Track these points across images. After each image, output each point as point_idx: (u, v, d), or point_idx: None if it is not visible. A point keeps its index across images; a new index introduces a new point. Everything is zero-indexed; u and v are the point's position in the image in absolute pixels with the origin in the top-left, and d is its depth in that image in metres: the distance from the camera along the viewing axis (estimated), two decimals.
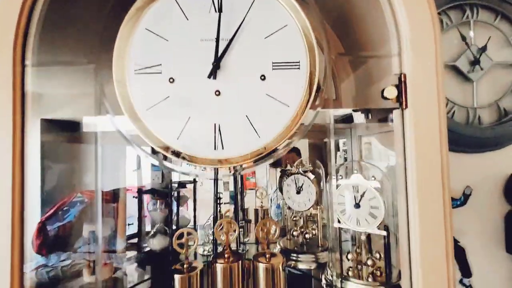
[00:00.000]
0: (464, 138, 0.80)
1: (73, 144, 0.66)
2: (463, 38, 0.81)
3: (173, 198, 0.75)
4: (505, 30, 0.83)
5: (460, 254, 0.80)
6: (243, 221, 0.78)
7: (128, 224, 0.73)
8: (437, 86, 0.41)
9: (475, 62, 0.81)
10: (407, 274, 0.44)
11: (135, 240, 0.74)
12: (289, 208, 0.70)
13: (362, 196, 0.52)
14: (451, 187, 0.82)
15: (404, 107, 0.42)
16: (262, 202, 0.78)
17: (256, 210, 0.79)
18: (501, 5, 0.81)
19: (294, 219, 0.71)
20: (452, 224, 0.42)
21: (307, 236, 0.66)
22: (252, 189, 0.87)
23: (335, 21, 0.55)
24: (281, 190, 0.75)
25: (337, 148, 0.85)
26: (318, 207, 0.67)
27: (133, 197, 0.76)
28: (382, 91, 0.44)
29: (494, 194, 0.83)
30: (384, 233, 0.50)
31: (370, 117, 0.55)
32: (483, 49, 0.81)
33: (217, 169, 0.53)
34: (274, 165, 0.81)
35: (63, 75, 0.50)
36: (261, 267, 0.50)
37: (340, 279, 0.51)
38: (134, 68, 0.48)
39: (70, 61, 0.49)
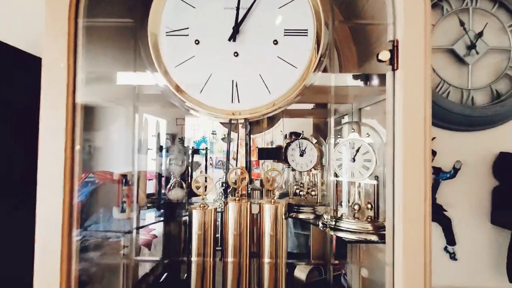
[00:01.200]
0: (457, 117, 0.87)
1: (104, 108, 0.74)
2: (462, 24, 0.87)
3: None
4: (502, 18, 0.88)
5: (446, 223, 0.87)
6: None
7: (149, 179, 0.83)
8: (425, 50, 0.48)
9: (471, 46, 0.87)
10: (391, 215, 0.52)
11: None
12: (292, 169, 0.78)
13: (357, 151, 0.59)
14: (443, 162, 0.89)
15: (395, 68, 0.50)
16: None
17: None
18: None
19: (296, 181, 0.79)
20: (431, 169, 0.49)
21: (307, 193, 0.74)
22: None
23: None
24: (285, 157, 0.82)
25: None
26: (318, 168, 0.74)
27: (152, 159, 0.85)
28: (377, 55, 0.51)
29: (483, 170, 0.90)
30: (375, 182, 0.58)
31: (368, 84, 0.62)
32: (480, 34, 0.87)
33: (231, 120, 0.61)
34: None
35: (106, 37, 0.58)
36: (267, 206, 0.59)
37: (334, 219, 0.60)
38: (165, 30, 0.56)
39: (115, 21, 0.57)
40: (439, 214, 0.86)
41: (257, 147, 0.91)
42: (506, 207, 0.86)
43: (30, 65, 0.64)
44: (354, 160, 0.60)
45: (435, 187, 0.86)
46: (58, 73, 0.48)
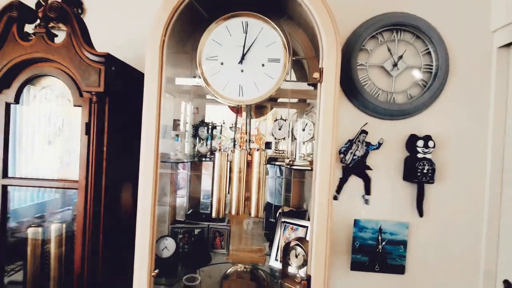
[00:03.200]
0: (383, 110, 1.35)
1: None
2: (389, 50, 1.35)
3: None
4: (417, 46, 1.35)
5: (366, 180, 1.36)
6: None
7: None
8: (335, 72, 0.97)
9: (395, 65, 1.35)
10: (316, 162, 1.01)
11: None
12: (275, 138, 1.28)
13: (305, 126, 1.09)
14: (372, 139, 1.38)
15: (321, 82, 0.99)
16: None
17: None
18: (416, 30, 1.34)
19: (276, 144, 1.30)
20: (336, 141, 0.98)
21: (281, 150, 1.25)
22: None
23: (302, 41, 1.12)
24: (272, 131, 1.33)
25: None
26: (289, 138, 1.24)
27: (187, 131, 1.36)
28: (313, 74, 1.00)
29: (399, 145, 1.38)
30: (313, 142, 1.08)
31: (313, 88, 1.11)
32: (401, 57, 1.34)
33: (239, 106, 1.11)
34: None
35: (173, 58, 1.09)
36: (256, 153, 1.09)
37: (292, 161, 1.10)
38: (206, 55, 1.06)
39: (180, 51, 1.08)
40: (364, 174, 1.36)
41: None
42: (413, 169, 1.34)
43: (135, 75, 1.16)
44: (303, 130, 1.09)
45: (365, 155, 1.35)
46: (154, 79, 0.99)
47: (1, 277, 1.08)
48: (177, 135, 1.21)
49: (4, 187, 1.06)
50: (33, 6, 1.13)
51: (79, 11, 1.42)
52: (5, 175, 1.05)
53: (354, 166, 1.37)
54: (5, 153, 1.05)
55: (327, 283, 0.98)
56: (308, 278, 0.98)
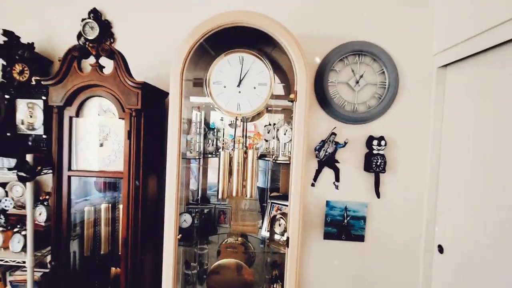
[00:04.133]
0: (349, 117, 1.75)
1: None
2: (352, 71, 1.75)
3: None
4: (374, 67, 1.75)
5: (336, 170, 1.78)
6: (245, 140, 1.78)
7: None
8: (306, 94, 1.37)
9: (357, 82, 1.75)
10: (294, 158, 1.42)
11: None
12: (265, 140, 1.69)
13: (286, 131, 1.50)
14: (340, 139, 1.80)
15: (296, 101, 1.39)
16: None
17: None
18: (373, 55, 1.73)
19: (267, 144, 1.70)
20: (306, 144, 1.39)
21: (270, 149, 1.66)
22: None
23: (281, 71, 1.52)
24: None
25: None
26: (275, 139, 1.65)
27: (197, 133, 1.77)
28: (290, 95, 1.40)
29: (361, 144, 1.79)
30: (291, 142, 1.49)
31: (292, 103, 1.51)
32: (362, 76, 1.74)
33: (236, 117, 1.52)
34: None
35: (190, 84, 1.49)
36: (250, 151, 1.50)
37: (276, 157, 1.52)
38: (213, 81, 1.46)
39: (194, 78, 1.48)
40: (334, 166, 1.77)
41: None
42: (370, 162, 1.76)
43: (158, 93, 1.55)
44: (285, 134, 1.50)
45: (334, 151, 1.77)
46: (176, 98, 1.39)
47: (67, 242, 1.50)
48: (191, 138, 1.62)
49: (69, 177, 1.47)
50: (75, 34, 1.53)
51: (111, 40, 1.80)
52: (69, 168, 1.47)
53: (326, 160, 1.78)
54: (69, 153, 1.46)
55: (300, 243, 1.41)
56: (287, 239, 1.41)
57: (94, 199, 1.58)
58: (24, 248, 1.49)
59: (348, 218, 1.81)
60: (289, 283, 1.41)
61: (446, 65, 1.71)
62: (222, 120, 1.80)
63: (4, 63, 1.70)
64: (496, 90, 1.37)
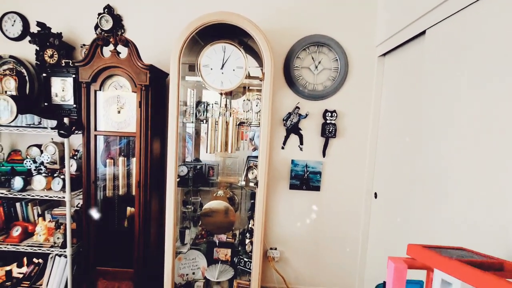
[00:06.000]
0: (310, 95, 2.26)
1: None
2: (313, 58, 2.24)
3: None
4: (329, 55, 2.24)
5: (300, 136, 2.30)
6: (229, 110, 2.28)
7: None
8: (270, 75, 1.86)
9: (316, 67, 2.24)
10: (262, 129, 1.93)
11: None
12: (243, 110, 2.19)
13: (256, 105, 2.00)
14: (303, 112, 2.34)
15: (263, 80, 1.88)
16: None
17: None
18: (328, 46, 2.22)
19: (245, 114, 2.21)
20: (272, 108, 1.89)
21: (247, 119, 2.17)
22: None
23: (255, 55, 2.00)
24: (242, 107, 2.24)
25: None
26: (251, 110, 2.16)
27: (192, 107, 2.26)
28: (261, 75, 1.89)
29: (318, 115, 2.31)
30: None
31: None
32: (320, 62, 2.23)
33: (222, 92, 2.02)
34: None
35: (185, 67, 1.97)
36: (231, 118, 2.01)
37: (250, 122, 2.03)
38: (203, 64, 1.94)
39: (188, 61, 1.96)
40: (298, 133, 2.29)
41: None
42: (324, 130, 2.28)
43: (160, 73, 2.04)
44: (257, 106, 2.01)
45: (298, 121, 2.28)
46: (174, 77, 1.87)
47: (95, 185, 2.01)
48: (186, 109, 2.12)
49: (95, 136, 1.97)
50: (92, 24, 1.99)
51: (122, 31, 2.25)
52: (95, 129, 1.96)
53: (292, 128, 2.30)
54: (95, 118, 1.95)
55: (267, 184, 1.94)
56: (257, 182, 1.95)
57: (113, 154, 2.09)
58: (62, 188, 2.01)
59: (308, 173, 2.35)
60: (257, 214, 1.96)
61: (384, 54, 2.21)
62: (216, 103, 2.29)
63: (38, 48, 2.15)
64: (408, 74, 1.88)
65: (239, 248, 2.25)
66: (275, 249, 2.42)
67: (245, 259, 2.17)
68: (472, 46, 1.27)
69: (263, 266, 2.35)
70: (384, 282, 1.01)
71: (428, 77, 1.58)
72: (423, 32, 1.65)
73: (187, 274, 2.24)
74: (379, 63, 2.24)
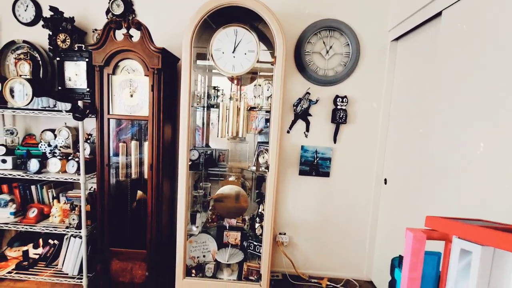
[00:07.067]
0: (320, 80, 2.25)
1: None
2: (324, 43, 2.22)
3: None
4: (341, 40, 2.22)
5: (307, 123, 2.30)
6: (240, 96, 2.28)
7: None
8: (283, 58, 1.86)
9: (327, 52, 2.22)
10: (273, 113, 1.93)
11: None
12: (254, 96, 2.19)
13: (267, 89, 2.00)
14: (313, 98, 2.35)
15: (275, 64, 1.88)
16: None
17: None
18: (340, 30, 2.19)
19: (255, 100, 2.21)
20: (282, 97, 1.89)
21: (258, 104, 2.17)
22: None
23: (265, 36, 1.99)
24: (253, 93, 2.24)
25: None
26: (262, 95, 2.16)
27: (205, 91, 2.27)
28: (272, 60, 1.89)
29: (329, 102, 2.30)
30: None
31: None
32: (331, 47, 2.21)
33: (233, 77, 2.02)
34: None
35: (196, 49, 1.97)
36: (242, 102, 2.01)
37: (261, 107, 2.04)
38: (214, 48, 1.94)
39: (201, 46, 1.96)
40: (306, 119, 2.29)
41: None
42: (335, 116, 2.27)
43: (172, 57, 2.05)
44: (268, 90, 2.01)
45: (308, 107, 2.28)
46: (186, 60, 1.88)
47: (109, 168, 2.05)
48: (198, 93, 2.13)
49: (108, 119, 1.99)
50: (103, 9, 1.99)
51: (133, 15, 2.26)
52: (108, 113, 1.99)
53: (302, 114, 2.30)
54: (108, 102, 1.97)
55: (277, 169, 1.96)
56: (268, 166, 1.96)
57: (126, 138, 2.11)
58: (77, 171, 2.05)
59: (317, 159, 2.35)
60: (268, 198, 1.98)
61: (397, 39, 2.18)
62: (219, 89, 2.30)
63: (50, 33, 2.17)
64: (421, 59, 1.86)
65: (249, 233, 2.28)
66: (284, 234, 2.45)
67: (254, 243, 2.20)
68: (492, 25, 1.25)
69: (272, 250, 2.39)
70: (400, 256, 1.02)
71: (443, 61, 1.56)
72: (439, 14, 1.62)
73: (198, 257, 2.28)
74: (392, 48, 2.22)
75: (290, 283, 2.34)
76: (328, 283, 2.34)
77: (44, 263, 2.27)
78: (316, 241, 2.46)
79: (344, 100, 2.23)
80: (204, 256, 2.29)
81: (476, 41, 1.33)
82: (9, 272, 2.14)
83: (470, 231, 0.71)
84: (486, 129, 1.23)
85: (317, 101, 2.28)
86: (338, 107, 2.25)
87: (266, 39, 2.13)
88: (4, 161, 2.07)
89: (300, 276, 2.42)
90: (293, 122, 2.32)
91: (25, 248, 2.29)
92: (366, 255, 2.43)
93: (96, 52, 1.90)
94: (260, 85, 2.17)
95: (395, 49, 2.21)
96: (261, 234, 2.10)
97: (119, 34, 1.92)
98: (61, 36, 2.15)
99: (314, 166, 2.36)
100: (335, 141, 2.32)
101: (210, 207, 2.38)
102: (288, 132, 2.33)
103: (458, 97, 1.42)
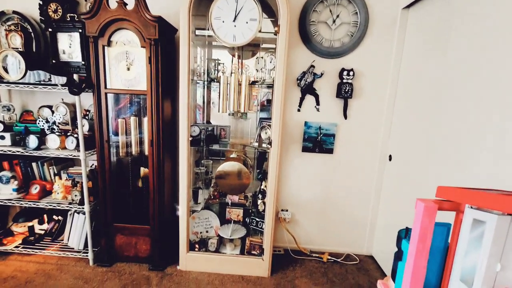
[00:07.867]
0: (326, 52, 2.14)
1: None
2: (330, 11, 2.08)
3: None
4: (349, 8, 2.08)
5: (316, 96, 2.22)
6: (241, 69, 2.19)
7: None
8: (286, 27, 1.75)
9: (334, 21, 2.09)
10: (276, 88, 1.84)
11: None
12: (256, 70, 2.10)
13: (270, 62, 1.91)
14: (317, 71, 2.24)
15: (279, 33, 1.77)
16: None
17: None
18: None
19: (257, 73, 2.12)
20: (286, 69, 1.80)
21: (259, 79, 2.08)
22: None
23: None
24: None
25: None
26: (264, 68, 2.06)
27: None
28: (275, 29, 1.78)
29: (335, 75, 2.20)
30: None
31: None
32: (338, 15, 2.08)
33: (234, 47, 1.92)
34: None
35: (195, 18, 1.86)
36: (243, 76, 1.93)
37: (264, 81, 1.95)
38: (214, 16, 1.82)
39: (200, 14, 1.85)
40: (314, 93, 2.21)
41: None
42: (340, 90, 2.18)
43: (171, 28, 1.93)
44: (270, 62, 1.91)
45: (313, 81, 2.19)
46: (184, 29, 1.78)
47: (108, 145, 2.01)
48: (197, 66, 2.04)
49: (105, 94, 1.93)
50: None
51: None
52: (105, 87, 1.92)
53: (307, 88, 2.21)
54: (104, 75, 1.90)
55: (280, 145, 1.91)
56: (270, 141, 1.91)
57: (125, 113, 2.06)
58: (76, 147, 2.02)
59: (321, 135, 2.30)
60: (271, 173, 1.95)
61: (408, 6, 2.04)
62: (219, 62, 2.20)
63: (41, 2, 2.05)
64: (433, 29, 1.74)
65: (252, 209, 2.28)
66: (287, 210, 2.45)
67: (257, 219, 2.21)
68: None
69: (275, 226, 2.40)
70: (406, 228, 1.00)
71: (457, 30, 1.45)
72: None
73: (200, 232, 2.30)
74: (402, 17, 2.08)
75: (292, 258, 2.38)
76: (329, 257, 2.37)
77: (50, 238, 2.31)
78: (318, 217, 2.46)
79: (350, 73, 2.13)
80: (207, 231, 2.31)
81: (495, 9, 1.22)
82: (16, 247, 2.18)
83: (487, 198, 0.67)
84: (501, 101, 1.15)
85: (322, 74, 2.18)
86: (344, 80, 2.15)
87: (268, 8, 2.00)
88: (2, 138, 2.04)
89: (301, 251, 2.45)
90: (302, 99, 2.23)
91: (30, 223, 2.32)
92: (367, 231, 2.44)
93: (89, 22, 1.80)
94: (262, 57, 2.07)
95: (406, 18, 2.08)
96: (264, 211, 2.10)
97: (113, 2, 1.80)
98: (52, 6, 2.04)
99: (318, 142, 2.31)
100: (345, 117, 2.24)
101: (212, 184, 2.36)
102: (298, 110, 2.25)
103: (473, 70, 1.33)
